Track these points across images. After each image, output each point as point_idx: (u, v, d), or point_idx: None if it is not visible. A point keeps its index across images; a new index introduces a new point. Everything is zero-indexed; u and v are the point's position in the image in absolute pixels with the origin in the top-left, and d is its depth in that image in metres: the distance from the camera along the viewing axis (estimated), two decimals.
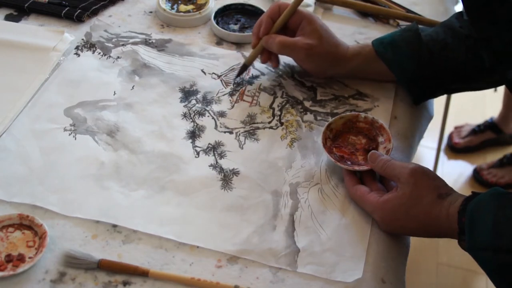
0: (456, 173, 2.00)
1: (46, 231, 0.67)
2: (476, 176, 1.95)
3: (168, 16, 0.98)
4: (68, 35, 0.94)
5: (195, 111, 0.85)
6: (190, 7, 1.01)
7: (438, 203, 0.67)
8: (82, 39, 0.94)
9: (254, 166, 0.78)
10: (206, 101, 0.86)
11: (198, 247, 0.68)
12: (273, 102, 0.87)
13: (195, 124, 0.83)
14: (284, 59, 0.92)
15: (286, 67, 0.92)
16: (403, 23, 1.02)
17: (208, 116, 0.84)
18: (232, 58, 0.93)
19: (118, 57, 0.92)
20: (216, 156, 0.79)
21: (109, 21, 0.99)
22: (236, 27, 0.98)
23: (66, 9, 0.98)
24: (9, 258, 0.65)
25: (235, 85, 0.89)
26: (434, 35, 0.85)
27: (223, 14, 1.00)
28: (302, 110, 0.86)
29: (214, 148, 0.80)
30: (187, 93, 0.87)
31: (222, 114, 0.85)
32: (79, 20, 0.97)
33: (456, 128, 2.10)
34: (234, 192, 0.75)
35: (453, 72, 0.85)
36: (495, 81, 0.87)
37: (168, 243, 0.69)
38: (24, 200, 0.71)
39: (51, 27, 0.96)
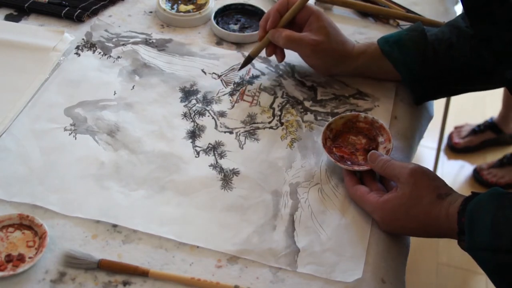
0: (456, 173, 2.00)
1: (46, 231, 0.67)
2: (476, 176, 1.95)
3: (168, 16, 0.98)
4: (68, 35, 0.94)
5: (195, 111, 0.85)
6: (190, 7, 1.01)
7: (438, 203, 0.67)
8: (83, 39, 0.94)
9: (254, 166, 0.78)
10: (206, 101, 0.86)
11: (198, 247, 0.68)
12: (273, 102, 0.87)
13: (195, 124, 0.83)
14: (285, 59, 0.92)
15: (287, 67, 0.92)
16: (403, 23, 1.02)
17: (208, 116, 0.84)
18: (232, 58, 0.93)
19: (119, 57, 0.92)
20: (216, 156, 0.79)
21: (109, 21, 0.99)
22: (236, 27, 0.98)
23: (66, 9, 0.98)
24: (9, 258, 0.65)
25: (235, 85, 0.89)
26: (439, 35, 0.85)
27: (223, 14, 1.00)
28: (302, 110, 0.86)
29: (214, 148, 0.80)
30: (187, 93, 0.87)
31: (222, 114, 0.85)
32: (79, 20, 0.97)
33: (456, 128, 2.10)
34: (234, 192, 0.75)
35: (457, 72, 0.85)
36: (498, 81, 0.87)
37: (168, 243, 0.69)
38: (24, 200, 0.71)
39: (51, 27, 0.96)
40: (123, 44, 0.94)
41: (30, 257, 0.65)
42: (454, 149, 2.06)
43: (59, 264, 0.65)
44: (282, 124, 0.84)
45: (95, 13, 0.99)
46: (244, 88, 0.89)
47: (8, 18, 0.98)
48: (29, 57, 0.90)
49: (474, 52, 0.83)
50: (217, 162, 0.78)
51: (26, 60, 0.90)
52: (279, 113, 0.85)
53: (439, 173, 1.95)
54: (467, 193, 0.67)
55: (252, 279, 0.66)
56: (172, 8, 1.00)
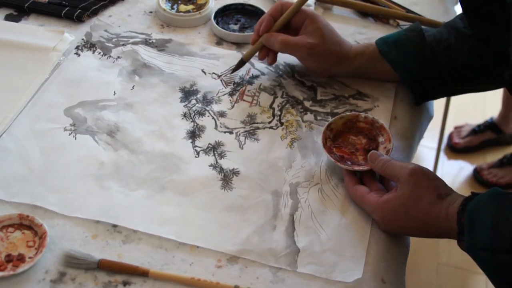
0: (456, 173, 2.00)
1: (46, 231, 0.67)
2: (476, 176, 1.95)
3: (168, 16, 0.98)
4: (68, 35, 0.94)
5: (195, 111, 0.85)
6: (190, 7, 1.01)
7: (438, 203, 0.67)
8: (82, 39, 0.94)
9: (254, 166, 0.78)
10: (206, 101, 0.86)
11: (198, 247, 0.68)
12: (273, 102, 0.87)
13: (195, 124, 0.83)
14: (285, 59, 0.92)
15: (286, 67, 0.92)
16: (403, 23, 1.02)
17: (208, 116, 0.84)
18: (232, 58, 0.93)
19: (118, 57, 0.92)
20: (216, 156, 0.79)
21: (109, 21, 0.99)
22: (236, 27, 0.98)
23: (66, 9, 0.98)
24: (9, 258, 0.65)
25: (235, 85, 0.89)
26: (437, 35, 0.85)
27: (223, 14, 1.00)
28: (302, 110, 0.86)
29: (214, 148, 0.80)
30: (187, 93, 0.87)
31: (222, 114, 0.85)
32: (79, 20, 0.97)
33: (456, 128, 2.10)
34: (234, 192, 0.75)
35: (456, 73, 0.85)
36: (497, 82, 0.87)
37: (168, 243, 0.69)
38: (24, 200, 0.71)
39: (51, 27, 0.96)
40: (123, 44, 0.94)
41: (30, 257, 0.65)
42: (454, 149, 2.06)
43: (59, 264, 0.65)
44: (282, 124, 0.84)
45: (95, 13, 0.99)
46: (244, 88, 0.89)
47: (8, 18, 0.98)
48: (29, 57, 0.90)
49: (473, 53, 0.83)
50: (217, 162, 0.78)
51: (26, 60, 0.90)
52: (279, 113, 0.85)
53: (439, 173, 1.95)
54: (467, 193, 0.67)
55: (252, 279, 0.66)
56: (172, 8, 1.00)
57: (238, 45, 0.96)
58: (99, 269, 0.65)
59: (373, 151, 0.76)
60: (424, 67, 0.84)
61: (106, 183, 0.74)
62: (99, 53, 0.92)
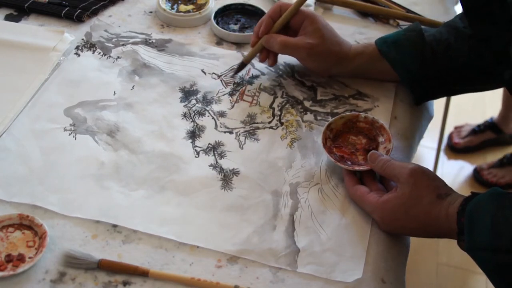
0: (456, 173, 2.00)
1: (46, 231, 0.67)
2: (477, 176, 1.95)
3: (168, 16, 0.98)
4: (68, 35, 0.94)
5: (195, 111, 0.85)
6: (190, 7, 1.01)
7: (438, 203, 0.67)
8: (82, 39, 0.94)
9: (254, 166, 0.78)
10: (206, 101, 0.86)
11: (198, 247, 0.68)
12: (273, 102, 0.87)
13: (195, 124, 0.83)
14: (285, 59, 0.92)
15: (286, 67, 0.92)
16: (403, 23, 1.02)
17: (208, 116, 0.84)
18: (232, 58, 0.93)
19: (118, 57, 0.92)
20: (216, 156, 0.79)
21: (109, 21, 0.99)
22: (236, 27, 0.98)
23: (66, 9, 0.98)
24: (9, 258, 0.65)
25: (235, 85, 0.89)
26: (437, 35, 0.85)
27: (223, 14, 1.00)
28: (302, 110, 0.86)
29: (214, 148, 0.80)
30: (187, 93, 0.87)
31: (222, 114, 0.85)
32: (79, 20, 0.97)
33: (456, 128, 2.10)
34: (234, 192, 0.75)
35: (456, 72, 0.85)
36: (497, 82, 0.87)
37: (168, 243, 0.69)
38: (24, 200, 0.71)
39: (51, 27, 0.96)
40: (123, 44, 0.94)
41: (30, 257, 0.65)
42: (454, 149, 2.06)
43: (59, 264, 0.65)
44: (282, 124, 0.84)
45: (95, 13, 0.99)
46: (244, 88, 0.89)
47: (8, 18, 0.98)
48: (29, 57, 0.90)
49: (473, 52, 0.83)
50: (217, 162, 0.78)
51: (26, 60, 0.90)
52: (279, 113, 0.85)
53: (439, 173, 1.95)
54: (467, 193, 0.67)
55: (252, 279, 0.66)
56: (172, 8, 1.00)
57: (238, 45, 0.96)
58: (99, 269, 0.65)
59: (373, 151, 0.76)
60: (424, 67, 0.84)
61: (106, 183, 0.74)
62: (99, 53, 0.92)
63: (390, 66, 0.86)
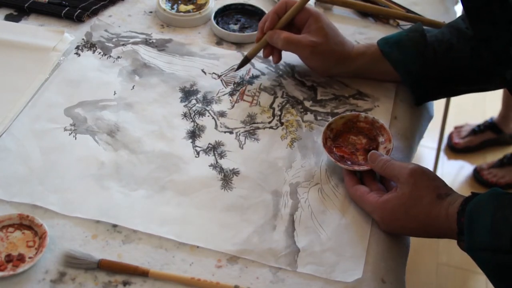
0: (456, 173, 2.00)
1: (46, 231, 0.67)
2: (477, 176, 1.95)
3: (168, 16, 0.98)
4: (68, 35, 0.94)
5: (195, 111, 0.85)
6: (190, 7, 1.01)
7: (438, 204, 0.67)
8: (83, 39, 0.94)
9: (254, 166, 0.78)
10: (206, 101, 0.86)
11: (198, 247, 0.68)
12: (273, 102, 0.87)
13: (195, 124, 0.83)
14: (285, 59, 0.92)
15: (287, 67, 0.92)
16: (403, 23, 1.02)
17: (208, 116, 0.84)
18: (232, 58, 0.93)
19: (119, 57, 0.92)
20: (216, 156, 0.79)
21: (109, 21, 0.99)
22: (236, 27, 0.98)
23: (66, 9, 0.98)
24: (9, 258, 0.65)
25: (235, 85, 0.89)
26: (439, 36, 0.85)
27: (223, 14, 1.00)
28: (302, 110, 0.86)
29: (214, 148, 0.80)
30: (187, 93, 0.87)
31: (222, 114, 0.85)
32: (79, 20, 0.97)
33: (456, 128, 2.10)
34: (234, 192, 0.75)
35: (457, 73, 0.85)
36: (498, 82, 0.87)
37: (168, 243, 0.69)
38: (24, 200, 0.71)
39: (51, 27, 0.96)
40: (123, 44, 0.94)
41: (30, 257, 0.65)
42: (454, 149, 2.06)
43: (59, 264, 0.65)
44: (282, 124, 0.84)
45: (95, 13, 0.99)
46: (244, 88, 0.89)
47: (8, 18, 0.98)
48: (29, 57, 0.90)
49: (474, 53, 0.83)
50: (217, 162, 0.78)
51: (26, 60, 0.90)
52: (279, 113, 0.85)
53: (439, 173, 1.95)
54: (467, 193, 0.67)
55: (252, 279, 0.66)
56: (172, 8, 1.00)
57: (238, 45, 0.96)
58: (99, 269, 0.65)
59: (373, 151, 0.76)
60: (425, 67, 0.84)
61: (106, 183, 0.74)
62: (99, 53, 0.92)
63: (392, 67, 0.86)
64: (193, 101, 0.86)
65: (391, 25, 1.02)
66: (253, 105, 0.86)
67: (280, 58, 0.89)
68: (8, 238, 0.67)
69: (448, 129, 2.07)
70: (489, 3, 0.68)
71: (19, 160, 0.76)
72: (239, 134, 0.82)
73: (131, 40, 0.95)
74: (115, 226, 0.70)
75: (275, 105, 0.86)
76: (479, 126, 2.05)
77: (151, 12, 1.01)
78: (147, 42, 0.95)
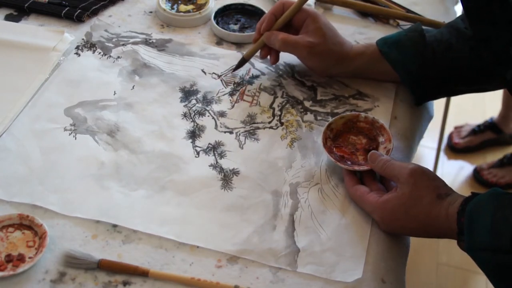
0: (456, 173, 2.00)
1: (46, 231, 0.67)
2: (477, 176, 1.95)
3: (168, 16, 0.98)
4: (68, 35, 0.94)
5: (195, 111, 0.85)
6: (190, 7, 1.01)
7: (438, 204, 0.67)
8: (83, 39, 0.94)
9: (254, 166, 0.78)
10: (206, 101, 0.86)
11: (198, 247, 0.68)
12: (273, 102, 0.87)
13: (195, 124, 0.83)
14: (285, 59, 0.92)
15: (286, 67, 0.92)
16: (403, 23, 1.02)
17: (208, 116, 0.84)
18: (232, 58, 0.93)
19: (119, 57, 0.92)
20: (216, 156, 0.79)
21: (109, 21, 0.99)
22: (236, 27, 0.98)
23: (66, 9, 0.98)
24: (9, 258, 0.65)
25: (235, 85, 0.89)
26: (438, 36, 0.85)
27: (223, 14, 1.00)
28: (302, 110, 0.86)
29: (214, 148, 0.80)
30: (187, 93, 0.87)
31: (222, 114, 0.85)
32: (79, 20, 0.97)
33: (456, 128, 2.10)
34: (234, 192, 0.75)
35: (457, 73, 0.85)
36: (498, 82, 0.87)
37: (168, 243, 0.69)
38: (24, 200, 0.71)
39: (51, 27, 0.96)
40: (123, 44, 0.94)
41: (30, 257, 0.65)
42: (454, 149, 2.06)
43: (59, 264, 0.65)
44: (282, 124, 0.84)
45: (95, 13, 0.99)
46: (244, 88, 0.89)
47: (8, 18, 0.98)
48: (29, 57, 0.90)
49: (474, 53, 0.83)
50: (217, 162, 0.78)
51: (26, 60, 0.90)
52: (279, 113, 0.85)
53: (439, 173, 1.95)
54: (467, 193, 0.67)
55: (252, 279, 0.66)
56: (172, 8, 1.00)
57: (238, 45, 0.96)
58: (99, 269, 0.65)
59: (373, 151, 0.76)
60: (425, 67, 0.84)
61: (106, 183, 0.74)
62: (99, 53, 0.92)
63: (391, 67, 0.86)
64: (193, 101, 0.86)
65: (391, 25, 1.02)
66: (253, 105, 0.86)
67: (277, 59, 0.89)
68: (8, 238, 0.67)
69: (448, 129, 2.07)
70: (489, 3, 0.68)
71: (19, 160, 0.76)
72: (239, 134, 0.82)
73: (131, 40, 0.95)
74: (115, 226, 0.70)
75: (275, 105, 0.86)
76: (479, 126, 2.05)
77: (151, 12, 1.02)
78: (147, 42, 0.95)
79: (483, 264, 0.63)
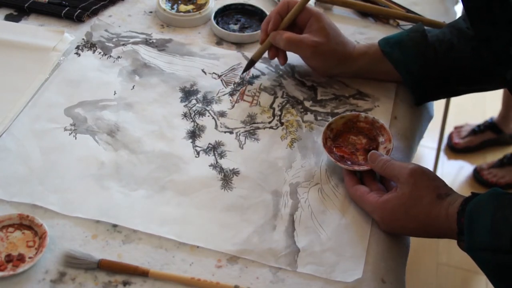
0: (456, 173, 2.00)
1: (46, 231, 0.67)
2: (477, 176, 1.95)
3: (168, 16, 0.98)
4: (68, 35, 0.94)
5: (195, 111, 0.85)
6: (190, 7, 1.01)
7: (438, 204, 0.67)
8: (83, 39, 0.94)
9: (254, 166, 0.78)
10: (207, 101, 0.86)
11: (198, 247, 0.68)
12: (273, 102, 0.87)
13: (195, 124, 0.83)
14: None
15: (287, 67, 0.92)
16: (403, 23, 1.02)
17: (208, 116, 0.84)
18: (232, 58, 0.93)
19: (119, 57, 0.92)
20: (216, 156, 0.79)
21: (109, 21, 0.99)
22: (236, 27, 0.98)
23: (66, 9, 0.98)
24: (9, 258, 0.65)
25: (235, 85, 0.89)
26: (440, 36, 0.85)
27: (223, 14, 1.00)
28: (302, 110, 0.86)
29: (214, 148, 0.80)
30: (188, 93, 0.87)
31: (222, 114, 0.85)
32: (79, 20, 0.97)
33: (456, 128, 2.10)
34: (234, 192, 0.75)
35: (458, 73, 0.85)
36: (498, 83, 0.87)
37: (168, 243, 0.69)
38: (24, 200, 0.71)
39: (51, 27, 0.96)
40: (123, 44, 0.94)
41: (30, 257, 0.65)
42: (454, 149, 2.06)
43: (59, 264, 0.65)
44: (282, 124, 0.84)
45: (95, 13, 0.99)
46: (244, 88, 0.89)
47: (8, 18, 0.98)
48: (29, 57, 0.90)
49: (475, 53, 0.83)
50: (217, 162, 0.78)
51: (26, 60, 0.90)
52: (279, 113, 0.85)
53: (439, 173, 1.95)
54: (467, 193, 0.67)
55: (252, 279, 0.66)
56: (172, 8, 1.00)
57: (238, 45, 0.96)
58: (99, 269, 0.65)
59: (373, 151, 0.76)
60: (426, 67, 0.84)
61: (106, 183, 0.74)
62: (99, 53, 0.92)
63: (393, 67, 0.86)
64: (193, 101, 0.86)
65: (391, 25, 1.02)
66: (253, 105, 0.86)
67: (286, 59, 0.89)
68: (8, 238, 0.67)
69: (448, 129, 2.07)
70: (489, 3, 0.68)
71: (19, 160, 0.76)
72: (239, 134, 0.82)
73: (131, 40, 0.95)
74: (115, 226, 0.70)
75: (275, 105, 0.86)
76: (479, 126, 2.05)
77: (151, 12, 1.01)
78: (147, 42, 0.95)
79: (483, 264, 0.63)
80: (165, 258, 0.67)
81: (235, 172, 0.77)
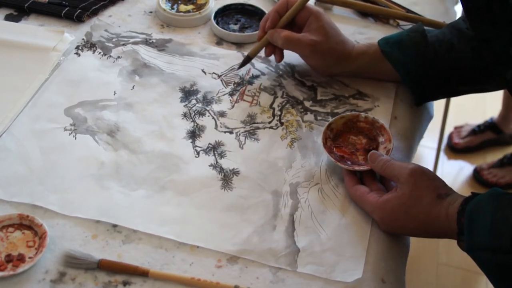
0: (456, 173, 2.00)
1: (46, 231, 0.67)
2: (477, 176, 1.95)
3: (168, 16, 0.98)
4: (68, 35, 0.94)
5: (195, 111, 0.85)
6: (190, 7, 1.01)
7: (438, 204, 0.67)
8: (83, 39, 0.94)
9: (254, 166, 0.78)
10: (206, 101, 0.86)
11: (198, 247, 0.68)
12: (273, 102, 0.87)
13: (195, 124, 0.83)
14: (285, 58, 0.92)
15: (287, 67, 0.92)
16: (403, 23, 1.02)
17: (208, 116, 0.84)
18: (232, 58, 0.93)
19: (119, 57, 0.92)
20: (216, 156, 0.79)
21: (109, 21, 0.99)
22: (236, 27, 0.98)
23: (66, 9, 0.98)
24: (9, 258, 0.65)
25: (235, 85, 0.89)
26: (440, 36, 0.85)
27: (223, 14, 1.00)
28: (302, 110, 0.86)
29: (214, 148, 0.80)
30: (187, 93, 0.87)
31: (222, 114, 0.85)
32: (79, 20, 0.97)
33: (456, 128, 2.10)
34: (234, 192, 0.75)
35: (458, 73, 0.84)
36: (498, 83, 0.87)
37: (168, 243, 0.69)
38: (24, 200, 0.71)
39: (51, 27, 0.96)
40: (123, 44, 0.94)
41: (30, 257, 0.65)
42: (454, 149, 2.06)
43: (59, 264, 0.65)
44: (282, 124, 0.84)
45: (95, 13, 0.99)
46: (244, 88, 0.89)
47: (8, 18, 0.98)
48: (29, 57, 0.90)
49: (475, 54, 0.83)
50: (217, 162, 0.78)
51: (26, 60, 0.90)
52: (279, 113, 0.85)
53: (439, 173, 1.95)
54: (467, 193, 0.67)
55: (252, 279, 0.66)
56: (172, 8, 1.00)
57: (238, 45, 0.96)
58: (99, 269, 0.65)
59: (373, 151, 0.76)
60: (426, 67, 0.84)
61: (106, 183, 0.74)
62: (99, 53, 0.92)
63: (392, 67, 0.86)
64: (193, 101, 0.86)
65: (391, 25, 1.02)
66: (253, 105, 0.86)
67: (282, 57, 0.89)
68: (8, 238, 0.67)
69: (448, 129, 2.07)
70: (489, 3, 0.68)
71: (19, 160, 0.76)
72: (239, 134, 0.82)
73: (131, 40, 0.95)
74: (115, 226, 0.70)
75: (275, 105, 0.86)
76: (479, 126, 2.05)
77: (151, 12, 1.02)
78: (147, 42, 0.95)
79: (483, 264, 0.63)
80: (165, 258, 0.67)
81: (235, 172, 0.77)
